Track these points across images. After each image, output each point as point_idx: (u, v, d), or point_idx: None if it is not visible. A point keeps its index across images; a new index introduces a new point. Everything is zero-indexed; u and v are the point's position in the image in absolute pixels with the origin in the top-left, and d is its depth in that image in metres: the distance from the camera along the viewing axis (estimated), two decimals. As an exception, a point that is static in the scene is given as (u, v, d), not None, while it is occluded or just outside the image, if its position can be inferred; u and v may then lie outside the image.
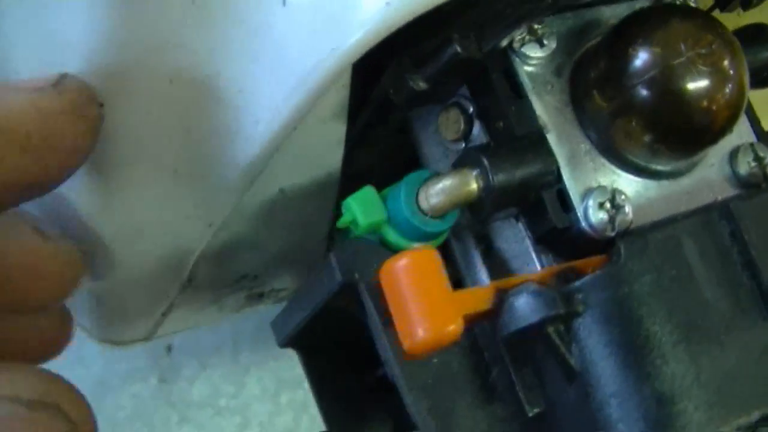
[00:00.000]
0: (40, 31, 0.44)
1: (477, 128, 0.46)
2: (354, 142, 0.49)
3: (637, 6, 0.47)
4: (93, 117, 0.39)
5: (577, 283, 0.37)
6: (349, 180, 0.53)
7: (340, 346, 0.50)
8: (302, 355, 0.50)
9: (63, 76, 0.38)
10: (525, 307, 0.37)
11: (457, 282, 0.49)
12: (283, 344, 0.48)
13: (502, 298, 0.38)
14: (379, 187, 0.53)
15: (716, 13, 0.51)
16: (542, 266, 0.44)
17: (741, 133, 0.45)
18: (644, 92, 0.40)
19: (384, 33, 0.37)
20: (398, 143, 0.52)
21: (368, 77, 0.45)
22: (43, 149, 0.35)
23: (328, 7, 0.37)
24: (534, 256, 0.44)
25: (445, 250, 0.47)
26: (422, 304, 0.35)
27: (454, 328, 0.35)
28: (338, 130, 0.47)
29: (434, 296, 0.35)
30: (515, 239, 0.45)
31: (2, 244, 0.38)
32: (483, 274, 0.46)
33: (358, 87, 0.45)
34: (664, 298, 0.37)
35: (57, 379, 0.30)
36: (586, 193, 0.41)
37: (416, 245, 0.43)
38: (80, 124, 0.38)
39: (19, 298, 0.38)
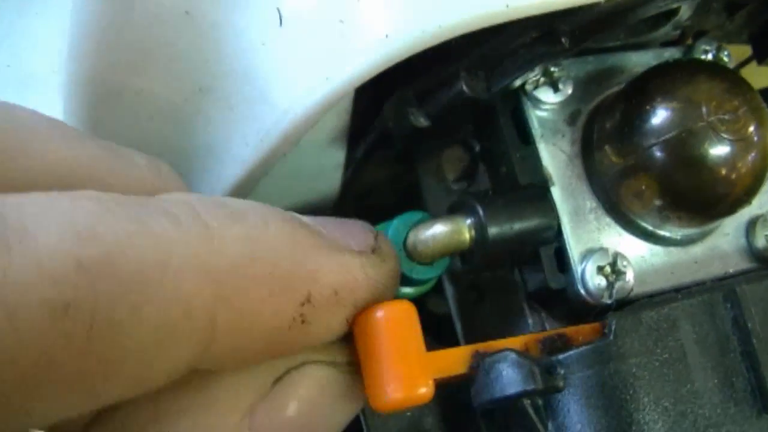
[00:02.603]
0: (24, 30, 0.42)
1: (482, 168, 0.43)
2: (359, 163, 0.46)
3: (666, 54, 0.44)
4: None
5: (561, 357, 0.35)
6: (357, 199, 0.51)
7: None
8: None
9: (377, 239, 0.35)
10: (502, 378, 0.34)
11: (446, 318, 0.47)
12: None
13: (479, 362, 0.35)
14: (385, 204, 0.51)
15: (752, 67, 0.48)
16: (534, 324, 0.41)
17: (762, 202, 0.42)
18: (659, 154, 0.37)
19: (381, 66, 0.35)
20: (403, 168, 0.49)
21: (381, 97, 0.42)
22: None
23: (326, 33, 0.35)
24: (526, 311, 0.42)
25: (438, 284, 0.45)
26: (393, 363, 0.33)
27: (425, 391, 0.33)
28: (336, 156, 0.45)
29: (407, 355, 0.33)
30: (508, 291, 0.42)
31: None
32: (471, 323, 0.44)
33: (369, 106, 0.42)
34: (652, 383, 0.34)
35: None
36: (586, 255, 0.39)
37: (403, 289, 0.41)
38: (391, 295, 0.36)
39: None
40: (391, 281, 0.35)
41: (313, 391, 0.33)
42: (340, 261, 0.32)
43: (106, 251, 0.24)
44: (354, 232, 0.35)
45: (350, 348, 0.35)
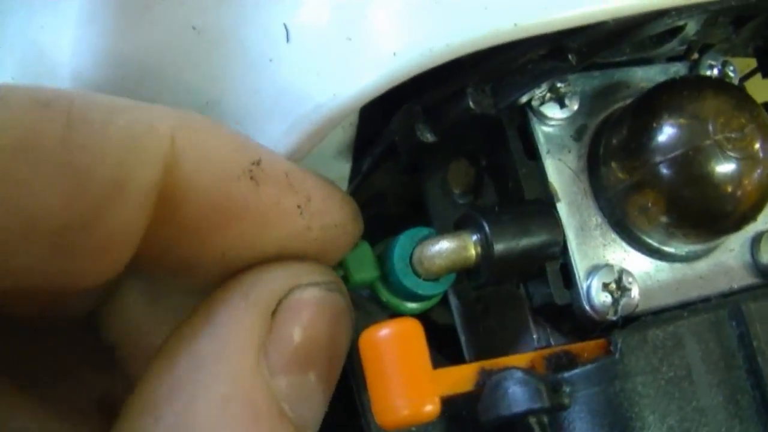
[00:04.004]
0: (30, 44, 0.42)
1: (488, 182, 0.43)
2: (364, 175, 0.46)
3: (672, 69, 0.44)
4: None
5: (567, 375, 0.35)
6: (361, 207, 0.51)
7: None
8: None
9: None
10: (508, 396, 0.35)
11: (448, 328, 0.47)
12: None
13: (485, 379, 0.35)
14: (389, 213, 0.51)
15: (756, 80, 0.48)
16: (538, 338, 0.41)
17: (767, 218, 0.42)
18: (666, 171, 0.37)
19: (389, 84, 0.35)
20: (408, 177, 0.49)
21: (387, 109, 0.42)
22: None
23: (333, 50, 0.35)
24: (531, 326, 0.42)
25: (443, 296, 0.45)
26: (399, 381, 0.34)
27: (431, 408, 0.34)
28: (342, 167, 0.45)
29: (413, 373, 0.34)
30: (514, 305, 0.42)
31: None
32: (476, 336, 0.44)
33: (375, 118, 0.42)
34: (657, 401, 0.34)
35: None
36: (592, 271, 0.39)
37: (409, 304, 0.41)
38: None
39: None
40: (350, 207, 0.38)
41: (309, 312, 0.34)
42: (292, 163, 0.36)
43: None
44: None
45: (327, 268, 0.37)
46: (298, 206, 0.35)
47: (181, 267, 0.35)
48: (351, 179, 0.46)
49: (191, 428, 0.30)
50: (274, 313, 0.33)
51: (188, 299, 0.36)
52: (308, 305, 0.34)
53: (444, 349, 0.46)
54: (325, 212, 0.36)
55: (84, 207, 0.28)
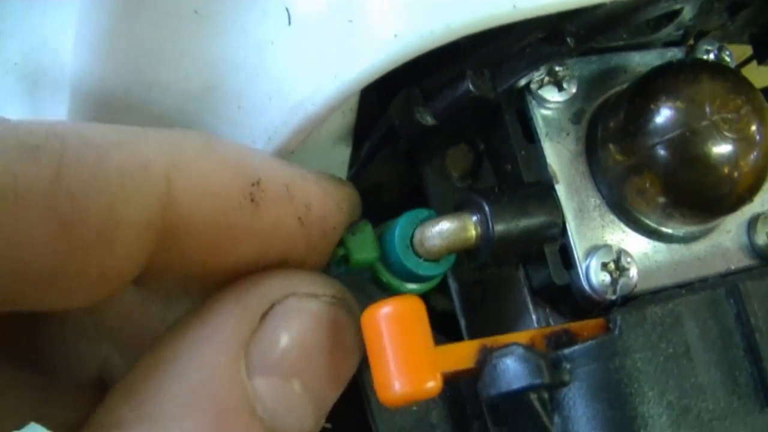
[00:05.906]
0: (32, 30, 0.42)
1: (486, 166, 0.44)
2: (363, 161, 0.46)
3: (669, 54, 0.44)
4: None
5: (567, 351, 0.35)
6: (361, 195, 0.52)
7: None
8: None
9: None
10: (508, 372, 0.35)
11: (447, 314, 0.47)
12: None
13: (486, 356, 0.36)
14: (389, 202, 0.51)
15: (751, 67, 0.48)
16: (538, 319, 0.42)
17: (763, 200, 0.43)
18: (662, 153, 0.37)
19: (390, 66, 0.35)
20: (408, 166, 0.50)
21: (386, 95, 0.43)
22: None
23: (334, 32, 0.36)
24: (531, 307, 0.42)
25: (441, 281, 0.45)
26: (401, 358, 0.34)
27: (432, 385, 0.34)
28: (342, 153, 0.45)
29: (414, 350, 0.34)
30: (513, 287, 0.42)
31: None
32: (475, 319, 0.44)
33: (373, 104, 0.43)
34: (656, 378, 0.35)
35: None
36: (590, 251, 0.39)
37: (409, 285, 0.41)
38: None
39: None
40: (348, 203, 0.38)
41: (299, 321, 0.34)
42: (294, 167, 0.36)
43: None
44: None
45: (333, 283, 0.37)
46: (299, 218, 0.35)
47: (185, 282, 0.35)
48: (351, 165, 0.47)
49: (158, 416, 0.30)
50: (264, 315, 0.33)
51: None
52: (301, 314, 0.34)
53: (443, 336, 0.47)
54: (325, 217, 0.37)
55: (73, 250, 0.28)
